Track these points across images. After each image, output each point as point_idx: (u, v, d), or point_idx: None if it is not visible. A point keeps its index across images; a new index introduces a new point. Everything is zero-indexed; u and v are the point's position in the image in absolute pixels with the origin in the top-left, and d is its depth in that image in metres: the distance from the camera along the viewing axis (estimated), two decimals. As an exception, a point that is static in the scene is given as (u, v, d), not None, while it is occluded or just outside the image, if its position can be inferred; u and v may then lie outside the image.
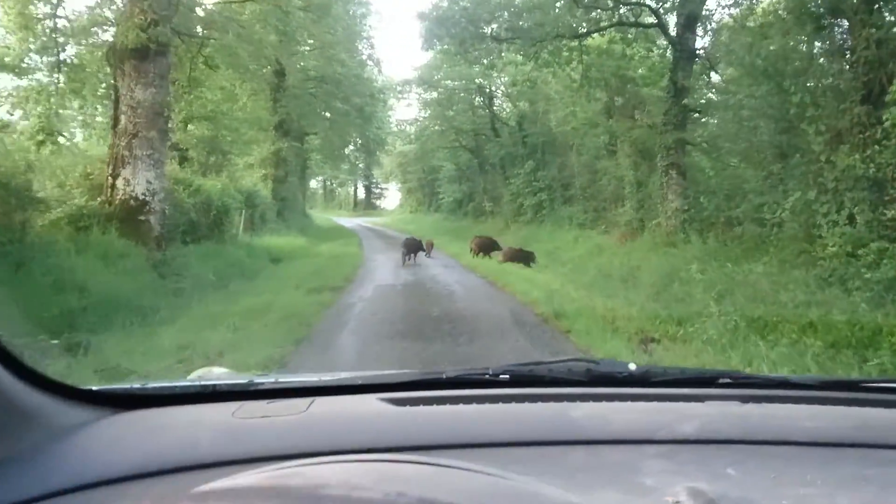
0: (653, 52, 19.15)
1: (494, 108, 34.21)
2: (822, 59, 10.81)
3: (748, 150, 13.95)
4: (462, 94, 35.28)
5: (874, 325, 7.91)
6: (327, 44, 29.17)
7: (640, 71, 20.74)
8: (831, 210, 9.96)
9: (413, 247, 19.53)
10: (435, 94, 35.85)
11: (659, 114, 19.31)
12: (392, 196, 74.87)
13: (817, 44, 11.30)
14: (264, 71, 27.90)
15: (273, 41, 26.06)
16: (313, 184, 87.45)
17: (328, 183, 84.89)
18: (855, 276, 9.27)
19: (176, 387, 1.71)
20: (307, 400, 1.50)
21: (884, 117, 9.09)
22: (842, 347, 7.68)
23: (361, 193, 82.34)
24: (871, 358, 7.33)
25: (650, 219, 19.00)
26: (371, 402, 1.51)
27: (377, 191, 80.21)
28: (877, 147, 9.26)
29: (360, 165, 67.50)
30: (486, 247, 21.04)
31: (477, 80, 31.70)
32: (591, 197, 24.07)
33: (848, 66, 9.85)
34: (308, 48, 30.31)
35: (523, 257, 18.82)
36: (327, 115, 33.61)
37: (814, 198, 9.99)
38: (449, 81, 33.39)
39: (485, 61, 21.70)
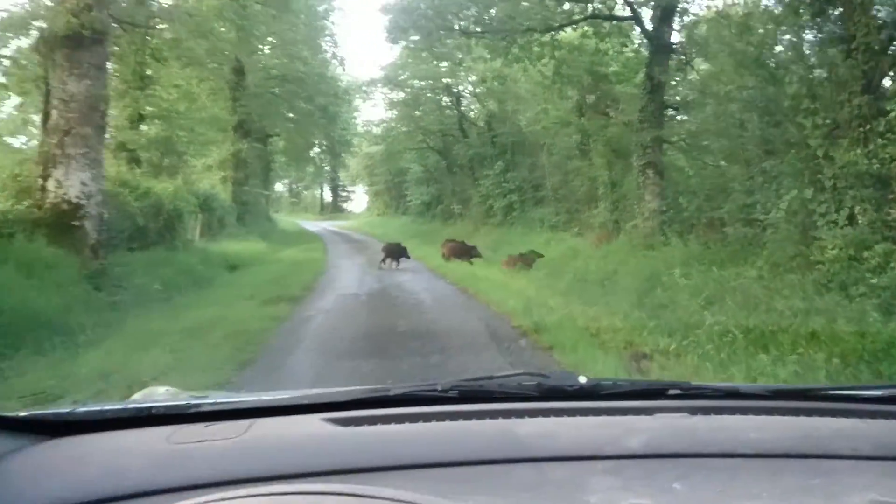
0: (627, 46, 18.35)
1: (463, 108, 33.26)
2: (815, 48, 10.01)
3: (732, 146, 13.20)
4: (429, 95, 34.27)
5: (887, 336, 7.12)
6: (288, 41, 28.01)
7: (613, 67, 19.97)
8: (830, 209, 9.18)
9: (395, 252, 18.61)
10: (401, 94, 34.78)
11: (634, 111, 18.54)
12: (359, 199, 73.45)
13: (807, 35, 10.53)
14: (223, 69, 26.77)
15: (231, 38, 24.95)
16: (279, 187, 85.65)
17: (294, 186, 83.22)
18: (859, 282, 8.48)
19: (108, 410, 1.63)
20: (247, 422, 1.45)
21: (888, 108, 8.33)
22: (852, 361, 6.89)
23: (328, 196, 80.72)
24: (887, 372, 6.59)
25: (626, 220, 18.21)
26: (314, 422, 1.47)
27: (344, 194, 78.65)
28: (880, 141, 8.51)
29: (326, 168, 66.05)
30: (459, 251, 20.13)
31: (445, 80, 30.70)
32: (564, 198, 23.25)
33: (846, 54, 9.06)
34: (269, 46, 29.09)
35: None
36: (290, 115, 32.35)
37: (811, 196, 9.19)
38: (416, 81, 32.34)
39: (453, 58, 20.69)
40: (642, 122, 16.32)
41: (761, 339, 7.89)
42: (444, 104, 34.46)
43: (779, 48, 10.80)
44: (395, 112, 35.59)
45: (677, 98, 16.97)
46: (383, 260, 18.28)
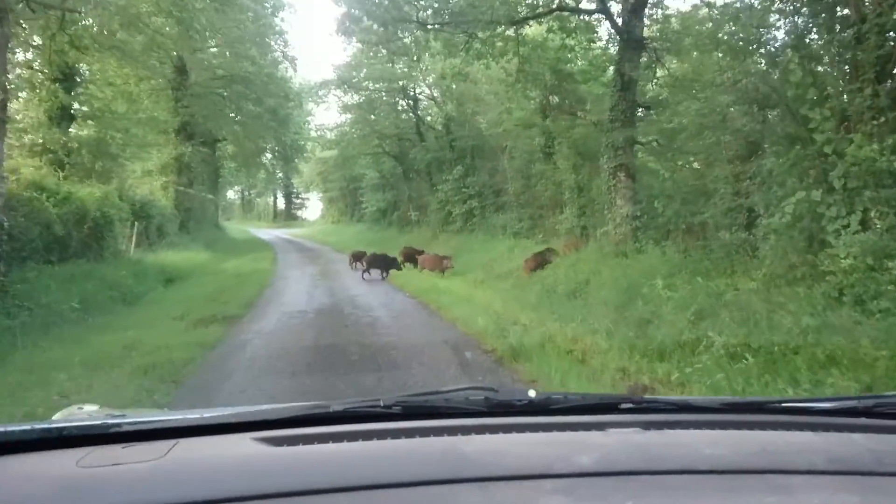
0: (595, 43, 17.23)
1: (420, 111, 31.89)
2: (822, 30, 8.91)
3: (714, 145, 12.11)
4: (385, 97, 32.84)
5: (926, 361, 5.99)
6: (235, 39, 26.34)
7: (579, 64, 18.86)
8: (840, 212, 8.06)
9: (383, 263, 17.33)
10: (356, 97, 33.26)
11: (602, 111, 17.49)
12: (314, 206, 71.62)
13: (805, 18, 9.46)
14: (163, 67, 24.97)
15: (171, 33, 23.22)
16: (230, 194, 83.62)
17: (246, 193, 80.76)
18: (880, 295, 7.36)
19: (14, 432, 1.46)
20: (169, 443, 1.36)
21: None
22: (886, 387, 5.75)
23: (282, 204, 78.56)
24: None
25: (595, 226, 17.08)
26: (244, 442, 1.38)
27: (298, 201, 76.61)
28: (899, 135, 7.41)
29: (279, 174, 64.05)
30: (432, 264, 18.86)
31: (401, 82, 29.28)
32: (527, 203, 22.06)
33: (856, 38, 7.97)
34: (214, 44, 27.33)
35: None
36: (238, 118, 30.60)
37: (819, 198, 8.06)
38: (370, 84, 30.87)
39: (410, 54, 19.31)
40: (613, 121, 15.18)
41: (771, 363, 6.72)
42: (400, 107, 33.06)
43: (779, 33, 9.66)
44: (349, 116, 34.03)
45: (648, 97, 15.84)
46: (366, 270, 16.88)
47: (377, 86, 30.63)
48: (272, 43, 28.54)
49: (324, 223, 56.41)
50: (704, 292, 10.19)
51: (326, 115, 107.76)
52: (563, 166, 19.05)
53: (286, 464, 1.29)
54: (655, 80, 16.51)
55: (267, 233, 50.40)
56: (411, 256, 19.56)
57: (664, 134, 14.37)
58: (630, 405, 1.60)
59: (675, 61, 16.31)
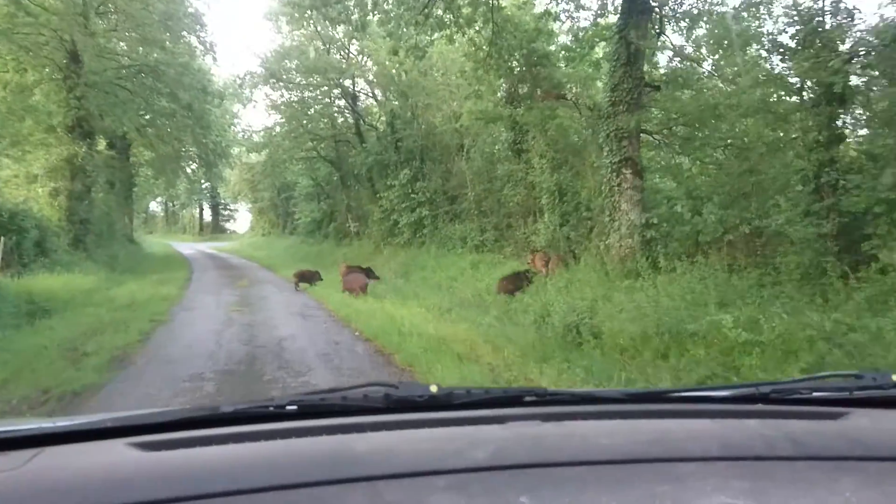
0: (581, 11, 13.80)
1: (360, 108, 27.96)
2: None
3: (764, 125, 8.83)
4: (319, 95, 28.82)
5: None
6: (140, 21, 21.91)
7: (559, 41, 15.47)
8: None
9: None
10: (286, 94, 29.11)
11: (585, 97, 14.13)
12: (243, 218, 66.43)
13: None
14: (48, 50, 20.45)
15: (58, 7, 18.86)
16: (153, 206, 77.35)
17: (170, 204, 74.72)
18: None
19: None
20: (31, 451, 1.24)
21: None
22: None
23: (209, 216, 72.89)
24: None
25: (585, 238, 13.64)
26: (116, 448, 1.26)
27: (226, 212, 71.25)
28: None
29: (205, 184, 58.77)
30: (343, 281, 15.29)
31: (336, 75, 25.28)
32: (490, 211, 18.49)
33: None
34: (115, 27, 22.84)
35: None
36: (147, 115, 26.01)
37: None
38: (302, 78, 26.75)
39: (350, 27, 15.48)
40: (615, 104, 11.80)
41: None
42: (336, 108, 29.09)
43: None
44: (278, 115, 29.81)
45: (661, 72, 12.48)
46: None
47: (310, 80, 26.55)
48: (186, 29, 24.08)
49: (253, 236, 51.61)
50: (803, 332, 6.85)
51: (254, 116, 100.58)
52: (538, 165, 15.56)
53: (161, 469, 1.17)
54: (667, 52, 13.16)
55: (190, 247, 45.36)
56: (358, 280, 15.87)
57: (688, 115, 11.01)
58: (533, 398, 1.54)
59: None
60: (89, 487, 1.10)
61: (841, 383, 1.64)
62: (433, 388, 1.50)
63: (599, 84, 15.05)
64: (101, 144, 33.46)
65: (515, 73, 16.11)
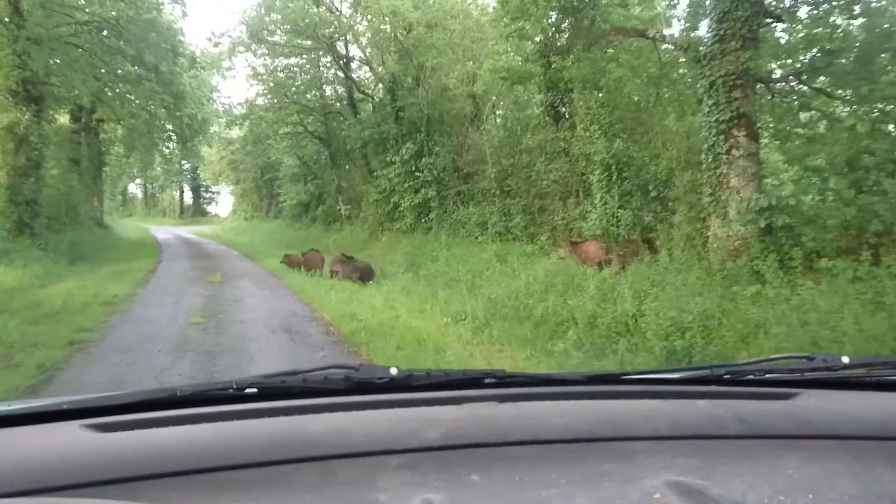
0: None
1: (354, 74, 24.24)
2: None
3: None
4: (306, 63, 25.09)
5: None
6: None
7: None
8: None
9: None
10: (269, 60, 25.33)
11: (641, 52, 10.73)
12: (226, 201, 62.31)
13: None
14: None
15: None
16: (133, 188, 72.81)
17: (149, 186, 70.29)
18: None
19: None
20: None
21: None
22: None
23: (190, 199, 68.68)
24: None
25: (660, 223, 10.28)
26: (71, 430, 1.22)
27: (207, 195, 67.02)
28: None
29: (184, 163, 54.63)
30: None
31: (327, 31, 21.50)
32: (516, 191, 14.96)
33: None
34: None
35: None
36: (109, 79, 22.08)
37: None
38: (286, 37, 22.97)
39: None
40: (722, 39, 8.35)
41: None
42: (326, 73, 25.37)
43: None
44: (259, 84, 26.04)
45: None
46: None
47: (297, 42, 22.79)
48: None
49: (235, 220, 47.65)
50: None
51: (235, 90, 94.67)
52: (585, 133, 12.09)
53: (113, 450, 1.15)
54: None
55: (168, 232, 41.53)
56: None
57: (851, 51, 7.55)
58: (493, 380, 1.51)
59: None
60: (42, 468, 1.07)
61: (793, 365, 1.58)
62: (393, 371, 1.46)
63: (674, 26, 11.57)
64: (63, 118, 29.74)
65: (556, 17, 12.61)
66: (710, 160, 8.62)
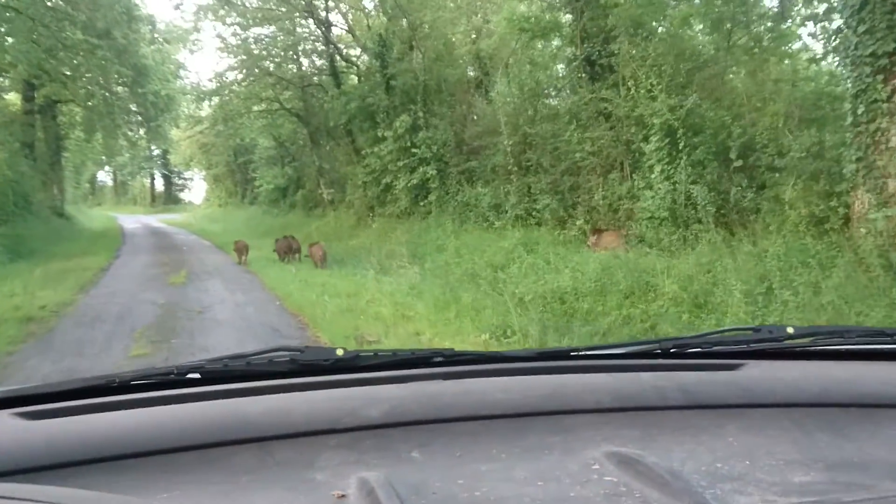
0: None
1: (336, 41, 21.28)
2: None
3: None
4: (280, 32, 22.12)
5: None
6: None
7: None
8: None
9: None
10: (240, 31, 22.28)
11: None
12: (199, 187, 58.73)
13: None
14: None
15: None
16: (102, 175, 68.77)
17: (118, 173, 66.27)
18: None
19: None
20: None
21: None
22: None
23: (161, 186, 64.86)
24: None
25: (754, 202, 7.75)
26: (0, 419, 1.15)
27: (179, 182, 63.34)
28: None
29: (154, 150, 51.04)
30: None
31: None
32: (539, 167, 12.31)
33: None
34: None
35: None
36: (53, 47, 18.83)
37: None
38: (255, 3, 19.95)
39: None
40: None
41: None
42: (304, 44, 22.39)
43: None
44: (230, 56, 22.99)
45: None
46: None
47: (270, 6, 19.80)
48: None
49: (208, 207, 44.37)
50: None
51: (203, 64, 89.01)
52: (637, 91, 9.48)
53: (42, 437, 1.09)
54: None
55: (136, 220, 38.25)
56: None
57: None
58: (441, 359, 1.45)
59: None
60: None
61: (740, 336, 1.56)
62: (339, 352, 1.39)
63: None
64: (11, 97, 26.42)
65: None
66: (859, 112, 6.06)
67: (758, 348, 1.47)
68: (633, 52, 9.57)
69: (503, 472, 1.01)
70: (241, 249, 14.83)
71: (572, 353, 1.52)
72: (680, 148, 8.79)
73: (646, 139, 9.52)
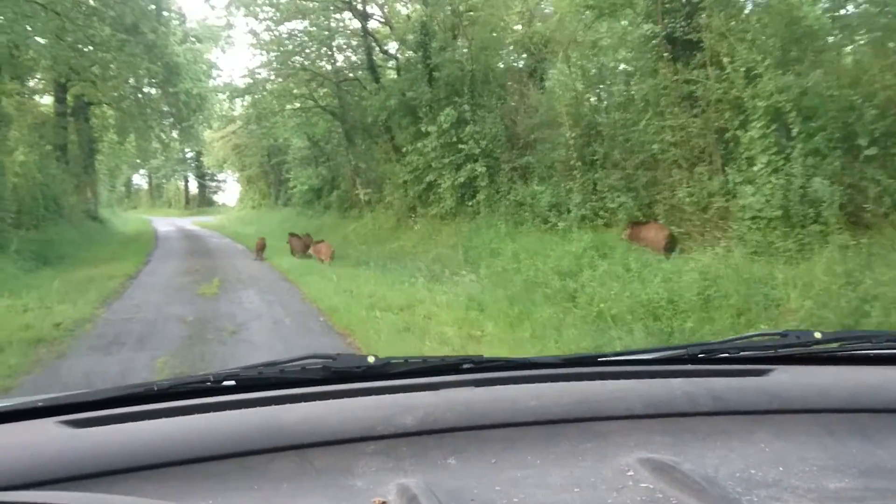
0: None
1: (374, 32, 20.04)
2: None
3: None
4: (314, 26, 20.97)
5: None
6: None
7: None
8: None
9: None
10: (273, 27, 21.20)
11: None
12: (233, 189, 58.15)
13: None
14: None
15: None
16: (137, 178, 68.72)
17: (153, 176, 66.13)
18: None
19: None
20: None
21: None
22: None
23: (195, 188, 64.55)
24: None
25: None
26: (45, 427, 1.15)
27: (213, 184, 62.93)
28: None
29: (188, 153, 50.56)
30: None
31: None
32: (608, 161, 10.89)
33: None
34: None
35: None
36: (80, 43, 17.86)
37: None
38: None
39: None
40: None
41: None
42: (339, 39, 21.22)
43: None
44: (263, 53, 21.93)
45: None
46: None
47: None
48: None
49: (242, 209, 43.63)
50: None
51: (236, 62, 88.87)
52: (740, 70, 8.03)
53: (88, 445, 1.09)
54: None
55: (170, 223, 37.63)
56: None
57: None
58: (470, 365, 1.45)
59: None
60: (16, 465, 1.02)
61: (767, 342, 1.53)
62: (371, 359, 1.40)
63: None
64: (43, 99, 25.77)
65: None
66: None
67: (786, 353, 1.46)
68: (732, 23, 8.11)
69: (539, 479, 1.01)
70: (260, 247, 16.41)
71: (599, 360, 1.51)
72: (793, 135, 7.33)
73: (744, 126, 8.07)
